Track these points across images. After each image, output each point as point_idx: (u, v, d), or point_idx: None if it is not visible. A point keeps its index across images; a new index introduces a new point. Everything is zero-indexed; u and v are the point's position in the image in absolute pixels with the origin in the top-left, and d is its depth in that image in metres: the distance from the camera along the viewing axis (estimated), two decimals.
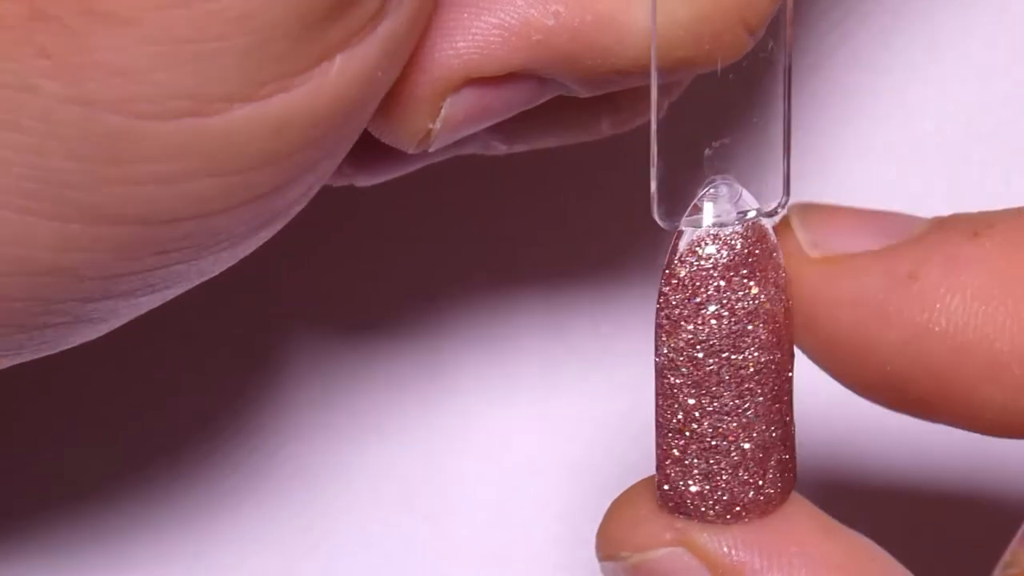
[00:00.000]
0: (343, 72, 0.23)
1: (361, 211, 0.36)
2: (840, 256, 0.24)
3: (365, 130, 0.26)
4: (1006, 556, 0.25)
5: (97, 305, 0.24)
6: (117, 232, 0.23)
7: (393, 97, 0.25)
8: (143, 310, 0.25)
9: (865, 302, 0.24)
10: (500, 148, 0.30)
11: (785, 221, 0.25)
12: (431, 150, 0.26)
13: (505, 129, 0.29)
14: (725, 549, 0.25)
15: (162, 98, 0.22)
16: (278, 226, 0.25)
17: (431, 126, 0.25)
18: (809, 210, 0.25)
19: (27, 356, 0.25)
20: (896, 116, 0.36)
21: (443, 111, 0.25)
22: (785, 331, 0.25)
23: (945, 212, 0.35)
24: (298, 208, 0.25)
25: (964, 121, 0.36)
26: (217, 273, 0.25)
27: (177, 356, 0.36)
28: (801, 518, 0.25)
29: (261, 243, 0.25)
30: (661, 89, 0.26)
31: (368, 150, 0.28)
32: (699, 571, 0.25)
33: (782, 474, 0.25)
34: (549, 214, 0.36)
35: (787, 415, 0.25)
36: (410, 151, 0.26)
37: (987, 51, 0.36)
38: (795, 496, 0.25)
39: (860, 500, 0.35)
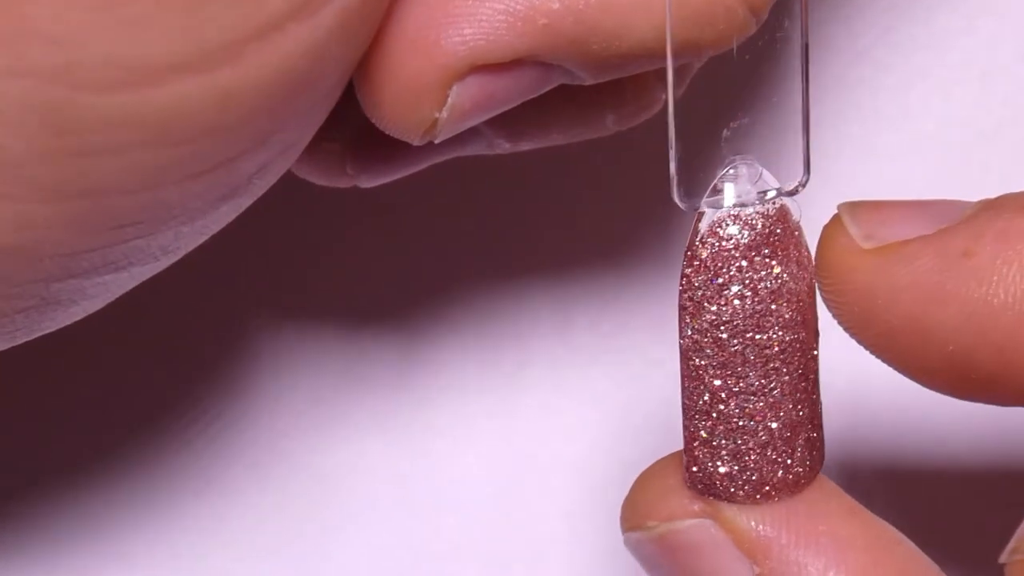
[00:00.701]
0: (293, 43, 0.23)
1: (360, 207, 0.36)
2: (893, 244, 0.24)
3: (369, 129, 0.26)
4: (1012, 543, 0.25)
5: (62, 285, 0.24)
6: (70, 207, 0.23)
7: (397, 86, 0.25)
8: (114, 291, 0.25)
9: (922, 285, 0.24)
10: (504, 147, 0.29)
11: (836, 219, 0.25)
12: (437, 140, 0.26)
13: (509, 127, 0.29)
14: (753, 523, 0.25)
15: (100, 67, 0.21)
16: (242, 202, 0.25)
17: (437, 115, 0.25)
18: (859, 206, 0.25)
19: (2, 344, 0.25)
20: (896, 116, 0.36)
21: (449, 99, 0.25)
22: (809, 310, 0.25)
23: None
24: (262, 184, 0.25)
25: (964, 121, 0.36)
26: (184, 251, 0.25)
27: (174, 355, 0.36)
28: (828, 499, 0.25)
29: (227, 219, 0.25)
30: (659, 79, 0.26)
31: (372, 150, 0.28)
32: (725, 544, 0.25)
33: (810, 452, 0.25)
34: (549, 211, 0.36)
35: (813, 394, 0.25)
36: (415, 142, 0.26)
37: (988, 51, 0.36)
38: (821, 478, 0.26)
39: (878, 483, 0.35)
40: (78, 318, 0.25)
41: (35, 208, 0.22)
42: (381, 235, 0.36)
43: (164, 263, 0.25)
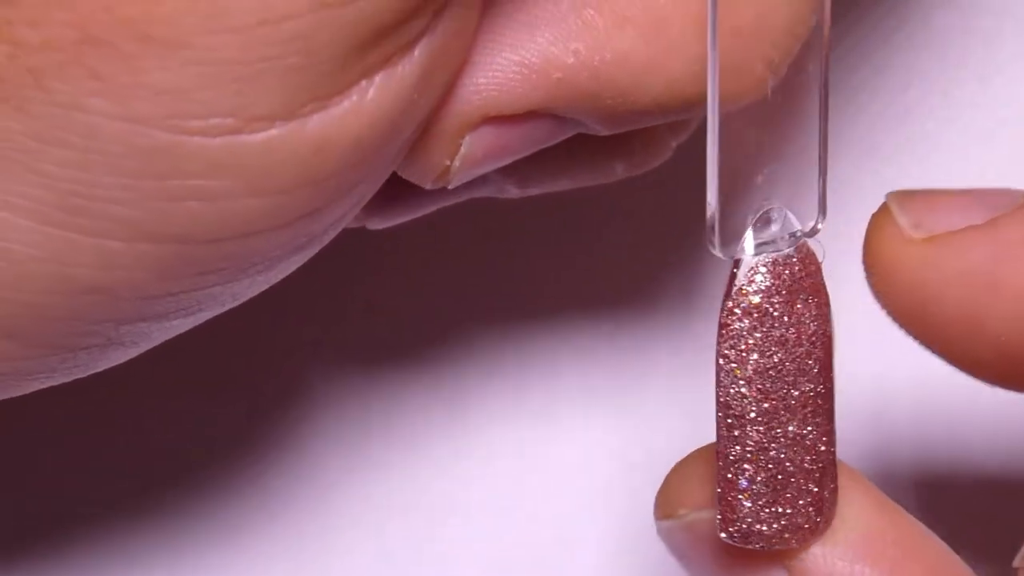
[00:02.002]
0: (382, 93, 0.23)
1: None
2: (944, 234, 0.24)
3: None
4: None
5: (131, 327, 0.24)
6: (157, 250, 0.23)
7: (415, 138, 0.25)
8: (172, 334, 0.25)
9: (974, 275, 0.23)
10: (513, 192, 0.29)
11: (884, 208, 0.25)
12: (450, 187, 0.26)
13: (519, 173, 0.29)
14: None
15: (206, 115, 0.22)
16: (312, 251, 0.25)
17: (449, 163, 0.25)
18: (908, 195, 0.25)
19: (57, 380, 0.25)
20: (896, 116, 0.36)
21: (462, 149, 0.25)
22: (831, 356, 0.25)
23: None
24: (333, 233, 0.25)
25: (964, 121, 0.36)
26: (249, 296, 0.25)
27: (174, 357, 0.36)
28: (857, 493, 0.25)
29: (294, 267, 0.25)
30: (669, 128, 0.26)
31: (382, 192, 0.28)
32: None
33: (833, 494, 0.25)
34: (549, 211, 0.36)
35: (835, 435, 0.25)
36: (428, 187, 0.26)
37: (987, 51, 0.36)
38: (851, 471, 0.25)
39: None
40: (129, 358, 0.26)
41: (121, 247, 0.23)
42: (381, 236, 0.36)
43: (228, 307, 0.25)
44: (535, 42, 0.25)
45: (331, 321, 0.36)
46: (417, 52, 0.23)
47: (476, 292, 0.36)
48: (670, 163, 0.36)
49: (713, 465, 0.25)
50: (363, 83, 0.23)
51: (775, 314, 0.24)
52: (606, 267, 0.36)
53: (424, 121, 0.25)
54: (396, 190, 0.28)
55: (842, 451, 0.25)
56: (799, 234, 0.24)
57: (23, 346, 0.24)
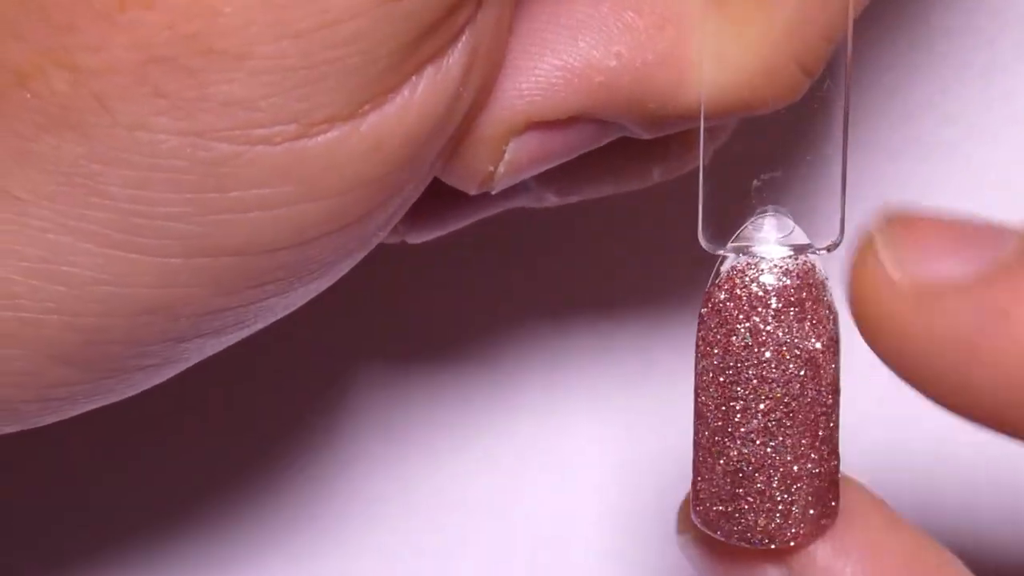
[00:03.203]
0: (430, 87, 0.23)
1: None
2: (928, 290, 0.23)
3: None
4: None
5: (188, 345, 0.24)
6: (215, 264, 0.23)
7: (457, 137, 0.25)
8: (224, 347, 0.25)
9: (959, 341, 0.23)
10: (552, 200, 0.30)
11: (868, 239, 0.24)
12: (494, 192, 0.26)
13: (557, 181, 0.29)
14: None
15: (271, 123, 0.22)
16: (361, 255, 0.25)
17: (493, 169, 0.25)
18: (893, 225, 0.24)
19: (112, 399, 0.25)
20: (896, 116, 0.36)
21: (506, 155, 0.25)
22: (826, 369, 0.25)
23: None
24: (380, 238, 0.25)
25: (964, 121, 0.36)
26: (297, 306, 0.25)
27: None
28: (865, 507, 0.25)
29: (343, 274, 0.25)
30: (707, 133, 0.26)
31: (421, 206, 0.28)
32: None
33: (815, 507, 0.25)
34: (548, 211, 0.36)
35: (824, 450, 0.25)
36: (472, 192, 0.26)
37: (988, 51, 0.36)
38: (858, 485, 0.25)
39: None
40: (178, 371, 0.26)
41: (181, 264, 0.23)
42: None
43: (280, 316, 0.25)
44: (577, 46, 0.25)
45: (330, 322, 0.36)
46: (461, 44, 0.23)
47: (474, 293, 0.36)
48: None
49: None
50: (413, 78, 0.23)
51: (749, 315, 0.24)
52: (606, 267, 0.36)
53: (466, 118, 0.25)
54: (435, 203, 0.28)
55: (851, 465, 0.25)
56: (806, 248, 0.24)
57: (82, 371, 0.24)
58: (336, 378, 0.36)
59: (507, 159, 0.25)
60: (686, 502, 0.26)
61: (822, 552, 0.25)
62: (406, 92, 0.23)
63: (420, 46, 0.23)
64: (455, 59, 0.23)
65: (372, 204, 0.24)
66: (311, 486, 0.36)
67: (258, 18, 0.21)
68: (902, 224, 0.24)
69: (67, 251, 0.22)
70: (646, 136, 0.26)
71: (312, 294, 0.25)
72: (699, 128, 0.25)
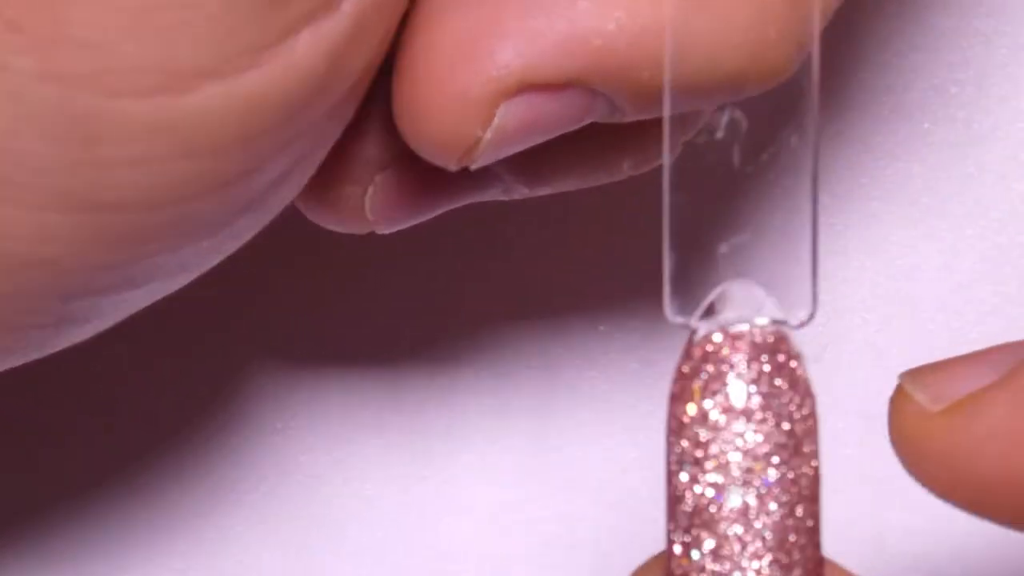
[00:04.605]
0: (310, 48, 0.23)
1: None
2: (963, 400, 0.23)
3: (391, 173, 0.26)
4: None
5: (80, 303, 0.24)
6: (95, 220, 0.23)
7: (443, 98, 0.24)
8: (128, 310, 0.25)
9: (1000, 431, 0.23)
10: (522, 191, 0.29)
11: (900, 391, 0.24)
12: (473, 167, 0.25)
13: (528, 171, 0.28)
14: None
15: (132, 72, 0.21)
16: (259, 217, 0.25)
17: (480, 135, 0.24)
18: (920, 371, 0.24)
19: (13, 360, 0.25)
20: (895, 116, 0.36)
21: (496, 119, 0.24)
22: (805, 445, 0.24)
23: (940, 213, 0.36)
24: (279, 199, 0.25)
25: (963, 121, 0.36)
26: (201, 270, 0.25)
27: (171, 358, 0.36)
28: None
29: (245, 236, 0.25)
30: (679, 121, 0.25)
31: (392, 194, 0.28)
32: None
33: None
34: (548, 210, 0.36)
35: (800, 534, 0.24)
36: (451, 167, 0.25)
37: (986, 51, 0.36)
38: (835, 567, 0.25)
39: None
40: (86, 337, 0.25)
41: (58, 219, 0.22)
42: (376, 235, 0.36)
43: (181, 281, 0.25)
44: (575, 8, 0.24)
45: (328, 319, 0.36)
46: (346, 6, 0.23)
47: (472, 294, 0.36)
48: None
49: None
50: (291, 39, 0.22)
51: (720, 393, 0.23)
52: (605, 266, 0.36)
53: (361, 79, 0.24)
54: (406, 192, 0.27)
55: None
56: (777, 322, 0.24)
57: None
58: (333, 379, 0.36)
59: (496, 124, 0.24)
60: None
61: None
62: (283, 54, 0.22)
63: (289, 3, 0.22)
64: (339, 22, 0.23)
65: (254, 163, 0.23)
66: (308, 487, 0.36)
67: None
68: (927, 369, 0.24)
69: None
70: (631, 115, 0.25)
71: (215, 255, 0.25)
72: (664, 119, 0.24)
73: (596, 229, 0.36)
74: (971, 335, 0.35)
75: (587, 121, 0.25)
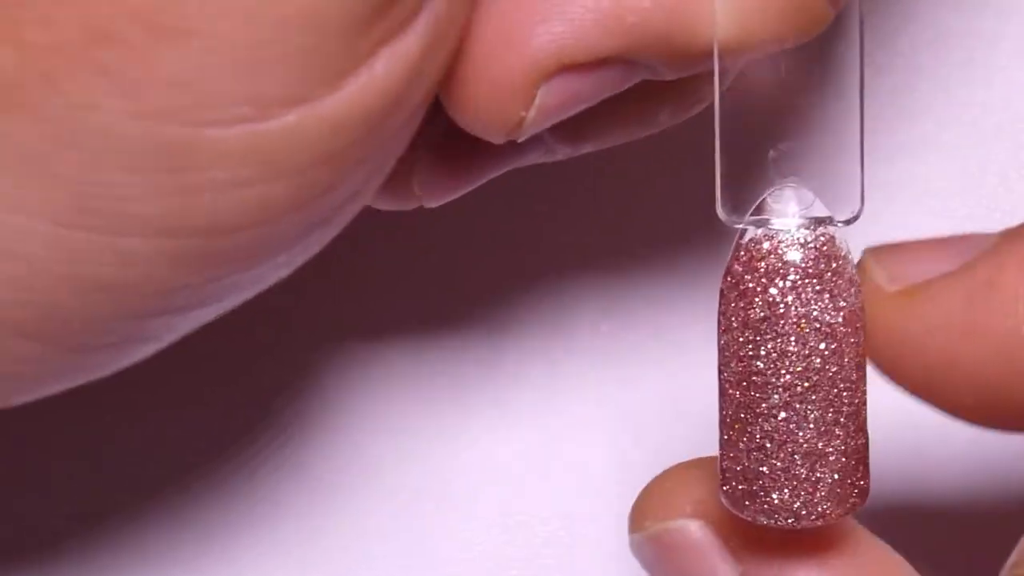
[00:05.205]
0: (389, 67, 0.23)
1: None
2: (919, 284, 0.24)
3: (435, 148, 0.26)
4: (1013, 556, 0.25)
5: (155, 322, 0.24)
6: (176, 245, 0.23)
7: (486, 85, 0.25)
8: (197, 324, 0.25)
9: (951, 321, 0.24)
10: (564, 151, 0.29)
11: (861, 265, 0.25)
12: (520, 139, 0.26)
13: (570, 131, 0.28)
14: (742, 524, 0.25)
15: (221, 105, 0.22)
16: (331, 230, 0.25)
17: (524, 114, 0.25)
18: (882, 250, 0.25)
19: (83, 379, 0.25)
20: (896, 117, 0.36)
21: (537, 99, 0.25)
22: (849, 342, 0.24)
23: (942, 214, 0.36)
24: (351, 210, 0.25)
25: (964, 121, 0.36)
26: (273, 281, 0.25)
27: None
28: (851, 531, 0.25)
29: (316, 249, 0.25)
30: (719, 74, 0.26)
31: (438, 168, 0.28)
32: (712, 543, 0.25)
33: (841, 489, 0.24)
34: (548, 209, 0.36)
35: (850, 428, 0.24)
36: (498, 141, 0.26)
37: (988, 51, 0.36)
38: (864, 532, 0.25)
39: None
40: (152, 352, 0.25)
41: (141, 244, 0.23)
42: (378, 233, 0.36)
43: (251, 294, 0.25)
44: None
45: (329, 316, 0.36)
46: (421, 22, 0.23)
47: (473, 292, 0.36)
48: (671, 162, 0.36)
49: (684, 478, 0.26)
50: (370, 60, 0.23)
51: (769, 290, 0.24)
52: (607, 266, 0.36)
53: (433, 88, 0.24)
54: (451, 164, 0.28)
55: None
56: (826, 221, 0.24)
57: (45, 346, 0.24)
58: (333, 378, 0.36)
59: (537, 103, 0.25)
60: (639, 501, 0.26)
61: (776, 549, 0.25)
62: (363, 74, 0.23)
63: (372, 27, 0.22)
64: (414, 38, 0.23)
65: (334, 180, 0.24)
66: (308, 487, 0.36)
67: None
68: (890, 248, 0.25)
69: (22, 231, 0.22)
70: (671, 76, 0.26)
71: (286, 268, 0.25)
72: (713, 69, 0.24)
73: (597, 229, 0.36)
74: None
75: (628, 85, 0.26)
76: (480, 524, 0.36)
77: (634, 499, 0.26)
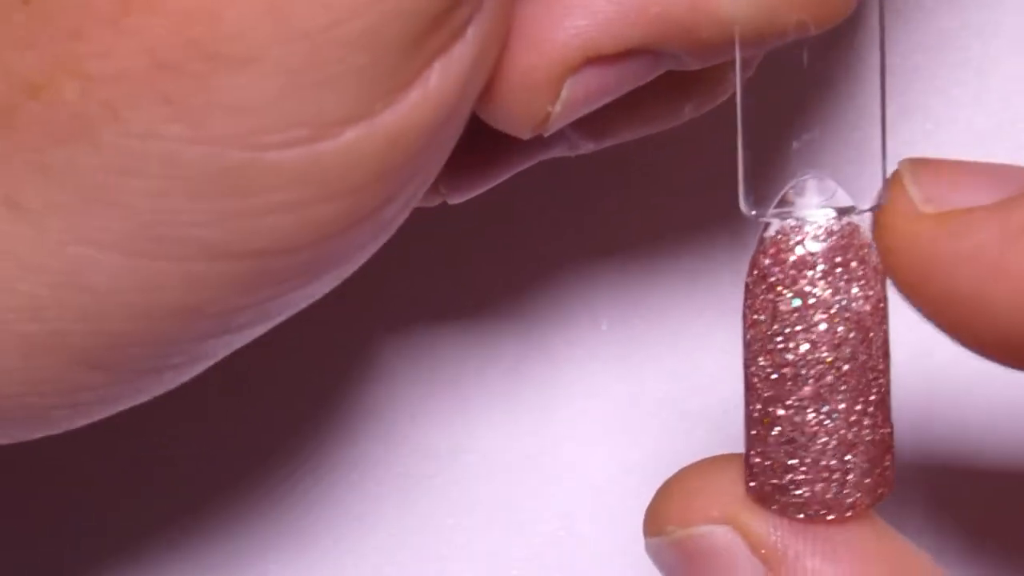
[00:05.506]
0: (443, 78, 0.23)
1: None
2: (954, 212, 0.24)
3: (460, 145, 0.26)
4: None
5: (216, 341, 0.24)
6: (239, 266, 0.23)
7: (512, 81, 0.25)
8: (248, 340, 0.25)
9: (981, 258, 0.23)
10: (587, 146, 0.29)
11: (896, 177, 0.24)
12: (547, 134, 0.26)
13: (594, 125, 0.29)
14: (771, 529, 0.25)
15: (282, 128, 0.22)
16: (383, 240, 0.25)
17: (551, 109, 0.25)
18: (920, 165, 0.24)
19: (143, 399, 0.25)
20: (896, 117, 0.36)
21: (563, 93, 0.25)
22: (875, 331, 0.24)
23: None
24: (402, 219, 0.25)
25: (964, 121, 0.36)
26: (323, 292, 0.25)
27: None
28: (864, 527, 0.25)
29: (366, 257, 0.25)
30: (742, 63, 0.26)
31: (462, 165, 0.28)
32: (741, 550, 0.25)
33: (870, 478, 0.24)
34: (549, 208, 0.36)
35: (877, 417, 0.24)
36: (525, 136, 0.26)
37: (987, 51, 0.36)
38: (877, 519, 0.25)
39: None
40: (206, 368, 0.25)
41: (204, 268, 0.23)
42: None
43: (303, 306, 0.25)
44: None
45: (330, 317, 0.36)
46: (471, 32, 0.23)
47: (474, 291, 0.36)
48: (675, 166, 0.36)
49: (705, 479, 0.25)
50: (424, 73, 0.23)
51: (797, 282, 0.24)
52: (608, 265, 0.36)
53: (477, 92, 0.24)
54: (475, 161, 0.28)
55: None
56: (849, 210, 0.24)
57: (109, 374, 0.24)
58: (332, 375, 0.36)
59: (564, 97, 0.25)
60: (657, 502, 0.26)
61: (811, 558, 0.25)
62: (419, 88, 0.23)
63: (427, 41, 0.22)
64: (466, 48, 0.23)
65: (390, 194, 0.24)
66: (309, 486, 0.36)
67: (261, 20, 0.21)
68: (929, 165, 0.24)
69: (89, 262, 0.22)
70: (696, 66, 0.26)
71: (333, 283, 0.25)
72: (735, 60, 0.24)
73: (597, 227, 0.36)
74: None
75: (653, 76, 0.26)
76: (480, 524, 0.36)
77: (648, 499, 0.26)
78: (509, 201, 0.36)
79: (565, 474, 0.36)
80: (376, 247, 0.25)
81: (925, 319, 0.24)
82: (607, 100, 0.26)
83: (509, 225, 0.36)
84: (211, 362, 0.25)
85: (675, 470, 0.35)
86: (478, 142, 0.27)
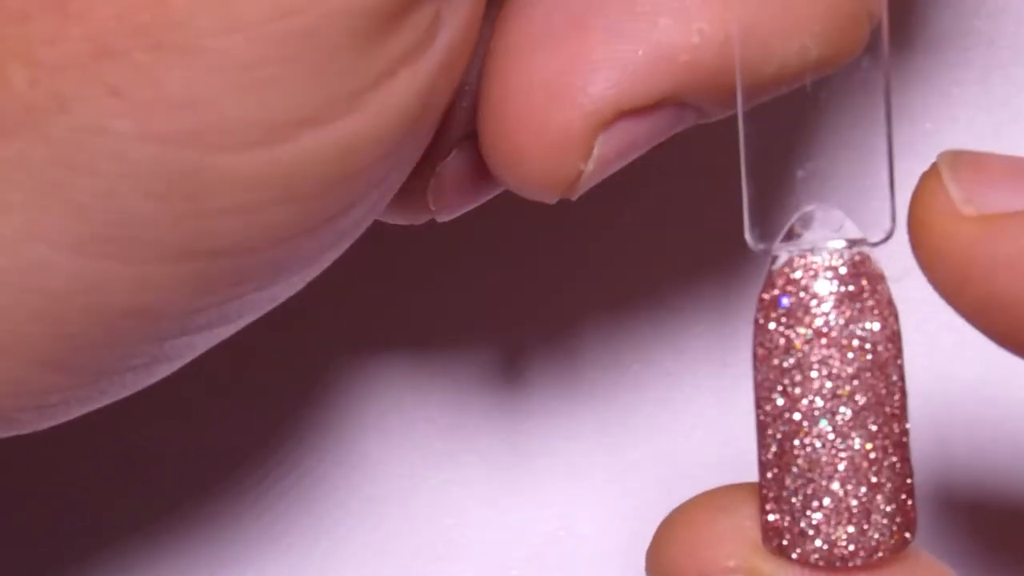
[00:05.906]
0: (406, 86, 0.23)
1: None
2: (996, 216, 0.23)
3: (449, 163, 0.26)
4: None
5: (175, 343, 0.24)
6: (194, 268, 0.23)
7: (543, 141, 0.24)
8: (216, 341, 0.25)
9: (1021, 266, 0.22)
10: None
11: (935, 174, 0.24)
12: (574, 197, 0.25)
13: None
14: None
15: (232, 128, 0.21)
16: (346, 245, 0.25)
17: (583, 167, 0.24)
18: (960, 161, 0.24)
19: (107, 401, 0.25)
20: (896, 117, 0.36)
21: (596, 150, 0.24)
22: (891, 364, 0.23)
23: None
24: (366, 225, 0.25)
25: (964, 121, 0.36)
26: (287, 296, 0.25)
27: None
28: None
29: (328, 263, 0.25)
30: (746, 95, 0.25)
31: (451, 183, 0.28)
32: None
33: (893, 521, 0.23)
34: (551, 210, 0.36)
35: (895, 456, 0.23)
36: (551, 200, 0.25)
37: (987, 51, 0.36)
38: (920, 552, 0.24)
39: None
40: (175, 370, 0.25)
41: (157, 269, 0.22)
42: (381, 233, 0.36)
43: (267, 309, 0.25)
44: (658, 27, 0.24)
45: (327, 316, 0.36)
46: (438, 41, 0.23)
47: (474, 292, 0.36)
48: (680, 179, 0.36)
49: (713, 523, 0.24)
50: (387, 80, 0.22)
51: (808, 316, 0.23)
52: (607, 269, 0.36)
53: (446, 106, 0.24)
54: (464, 179, 0.27)
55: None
56: (857, 242, 0.24)
57: (71, 376, 0.23)
58: (330, 377, 0.36)
59: (596, 154, 0.24)
60: (661, 546, 0.24)
61: None
62: (379, 95, 0.22)
63: (386, 44, 0.22)
64: (430, 59, 0.23)
65: (349, 201, 0.23)
66: (309, 486, 0.36)
67: (206, 9, 0.21)
68: (969, 161, 0.24)
69: (41, 262, 0.22)
70: (718, 116, 0.25)
71: (300, 284, 0.25)
72: (739, 120, 0.24)
73: (598, 235, 0.36)
74: (972, 335, 0.35)
75: (678, 130, 0.25)
76: (480, 524, 0.36)
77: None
78: (512, 210, 0.36)
79: (565, 474, 0.36)
80: (339, 251, 0.25)
81: (963, 318, 0.24)
82: (633, 157, 0.25)
83: (508, 227, 0.36)
84: (175, 365, 0.25)
85: (675, 470, 0.36)
86: (468, 159, 0.27)
